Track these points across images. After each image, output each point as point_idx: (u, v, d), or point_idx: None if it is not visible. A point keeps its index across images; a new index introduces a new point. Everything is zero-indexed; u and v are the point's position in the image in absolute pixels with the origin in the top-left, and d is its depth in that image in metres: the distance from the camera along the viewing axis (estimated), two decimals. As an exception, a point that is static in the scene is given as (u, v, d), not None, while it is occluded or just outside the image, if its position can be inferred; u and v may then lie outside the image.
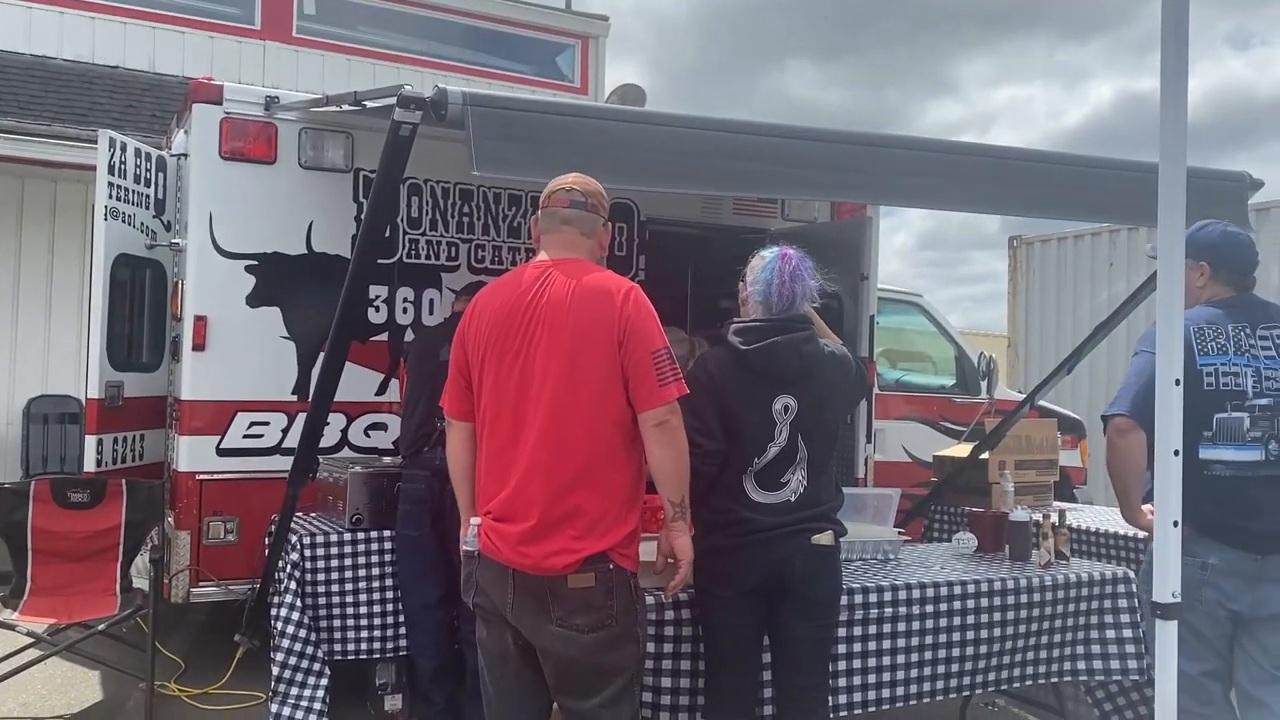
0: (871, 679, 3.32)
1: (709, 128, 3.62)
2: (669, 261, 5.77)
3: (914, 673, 3.38)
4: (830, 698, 3.16)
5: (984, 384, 6.50)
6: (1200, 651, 2.89)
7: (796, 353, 2.92)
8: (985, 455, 5.29)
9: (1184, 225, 1.98)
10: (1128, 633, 3.66)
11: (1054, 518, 3.93)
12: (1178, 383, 1.84)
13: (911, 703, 3.40)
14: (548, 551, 2.46)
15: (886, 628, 3.33)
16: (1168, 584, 1.82)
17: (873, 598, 3.31)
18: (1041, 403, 6.68)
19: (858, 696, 3.30)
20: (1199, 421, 2.84)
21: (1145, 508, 3.01)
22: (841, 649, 3.26)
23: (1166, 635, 1.83)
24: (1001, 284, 10.71)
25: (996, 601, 3.49)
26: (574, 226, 2.70)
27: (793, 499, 2.91)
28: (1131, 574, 3.75)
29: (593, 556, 2.47)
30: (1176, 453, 1.81)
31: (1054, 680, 3.72)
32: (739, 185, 3.95)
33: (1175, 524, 1.79)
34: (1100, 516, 5.04)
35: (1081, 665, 3.72)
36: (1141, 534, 3.54)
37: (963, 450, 5.61)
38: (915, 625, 3.38)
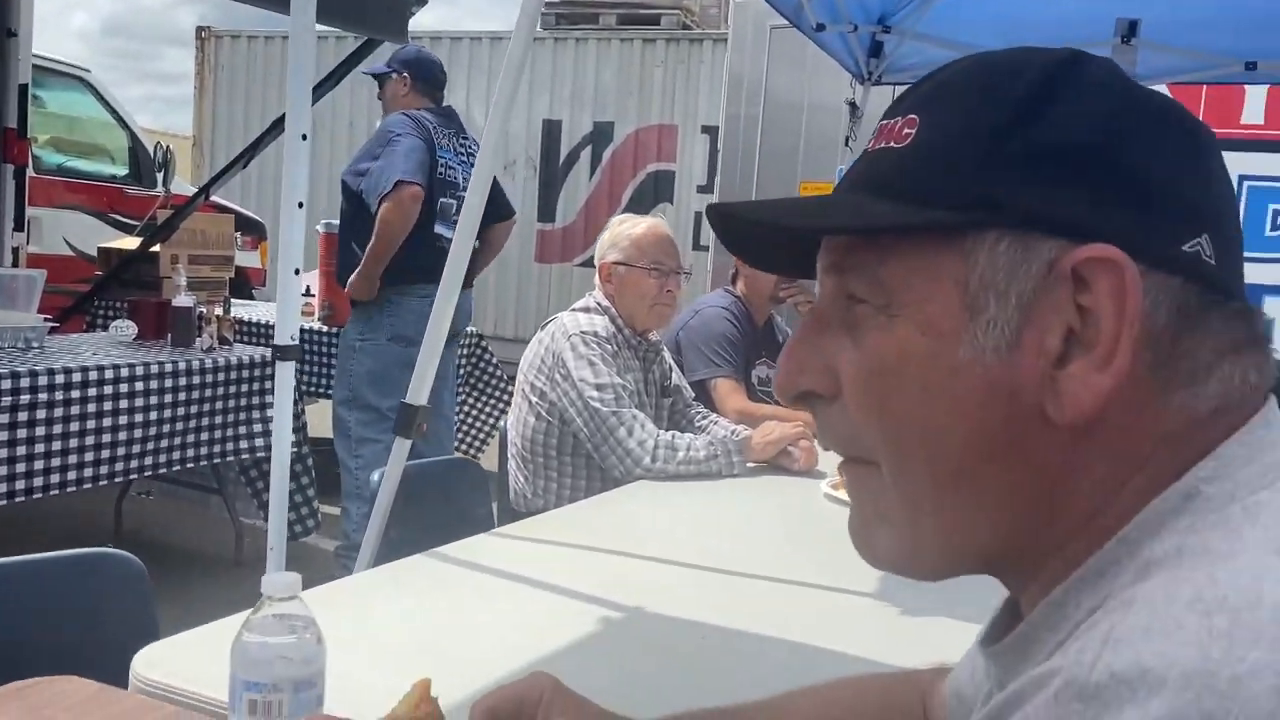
0: (20, 468, 3.05)
1: None
2: None
3: (62, 460, 3.18)
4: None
5: (160, 176, 6.16)
6: None
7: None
8: (156, 248, 5.05)
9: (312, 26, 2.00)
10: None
11: (219, 307, 3.92)
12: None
13: (68, 490, 3.20)
14: None
15: (24, 415, 3.05)
16: (287, 329, 1.91)
17: (5, 385, 3.00)
18: (222, 200, 6.57)
19: (3, 487, 3.01)
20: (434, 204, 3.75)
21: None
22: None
23: (285, 374, 1.93)
24: (197, 84, 10.18)
25: (154, 385, 3.41)
26: None
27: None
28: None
29: None
30: (301, 204, 1.88)
31: (215, 461, 3.78)
32: None
33: (296, 271, 1.87)
34: (268, 310, 5.16)
35: (244, 445, 3.83)
36: None
37: (132, 243, 5.30)
38: (60, 412, 3.15)
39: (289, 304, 1.91)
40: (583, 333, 2.59)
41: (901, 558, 0.64)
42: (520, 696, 0.93)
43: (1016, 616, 0.64)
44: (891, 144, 0.61)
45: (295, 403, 3.38)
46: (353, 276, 3.72)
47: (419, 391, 2.07)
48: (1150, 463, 0.57)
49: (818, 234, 0.65)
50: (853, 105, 4.04)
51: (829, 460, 2.61)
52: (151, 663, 1.28)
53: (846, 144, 4.15)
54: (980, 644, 0.67)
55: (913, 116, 0.61)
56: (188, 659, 1.30)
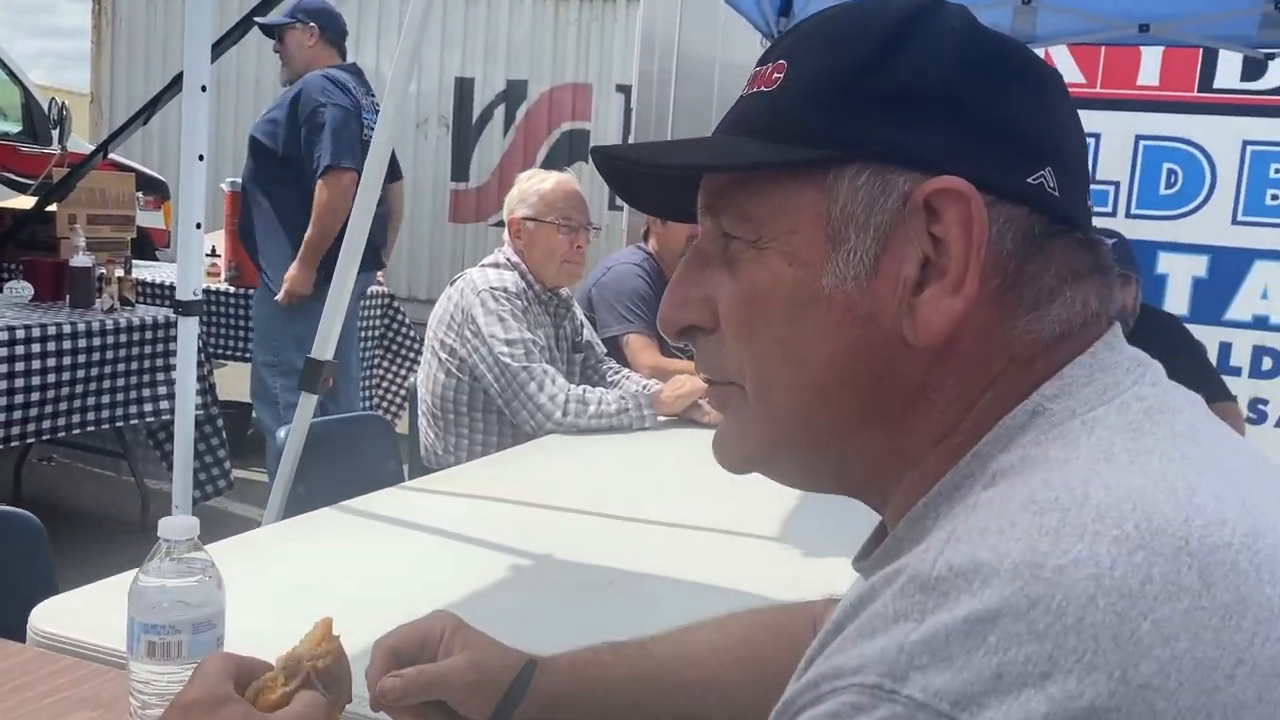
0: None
1: None
2: None
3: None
4: None
5: (55, 133, 5.96)
6: None
7: None
8: (53, 208, 4.89)
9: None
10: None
11: (120, 268, 3.83)
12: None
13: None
14: None
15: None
16: (189, 284, 1.89)
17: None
18: (123, 159, 6.38)
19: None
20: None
21: None
22: None
23: (188, 330, 1.91)
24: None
25: (52, 347, 3.32)
26: None
27: None
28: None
29: None
30: (201, 157, 1.85)
31: (119, 424, 3.70)
32: None
33: (197, 225, 1.85)
34: (172, 271, 5.05)
35: (149, 408, 3.76)
36: None
37: (27, 203, 5.12)
38: (-46, 375, 3.06)
39: (190, 259, 1.89)
40: (492, 288, 2.59)
41: (759, 468, 0.69)
42: (422, 634, 0.96)
43: (885, 535, 0.68)
44: (762, 88, 0.65)
45: (201, 364, 3.34)
46: (292, 270, 3.66)
47: (325, 346, 2.06)
48: (999, 382, 0.61)
49: (689, 172, 0.68)
50: (763, 63, 4.07)
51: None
52: (49, 616, 1.28)
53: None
54: (853, 562, 0.71)
55: (781, 62, 0.64)
56: (86, 612, 1.30)
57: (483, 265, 2.74)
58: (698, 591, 1.53)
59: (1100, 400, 0.58)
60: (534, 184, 2.79)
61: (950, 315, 0.59)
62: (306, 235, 3.60)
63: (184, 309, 1.88)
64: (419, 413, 2.75)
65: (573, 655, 1.00)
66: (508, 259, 2.73)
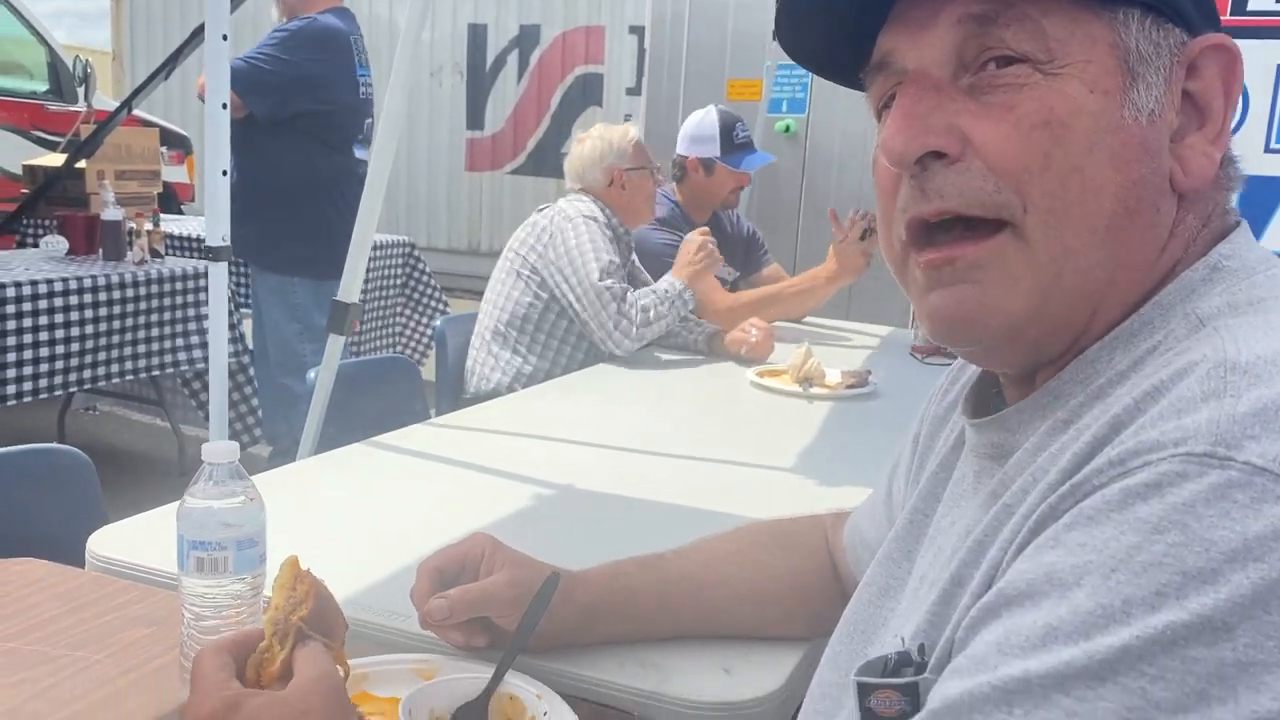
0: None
1: None
2: None
3: (1, 374, 3.19)
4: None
5: (81, 91, 6.02)
6: None
7: None
8: (82, 164, 4.97)
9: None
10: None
11: (148, 221, 3.90)
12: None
13: (7, 403, 3.22)
14: None
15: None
16: (218, 230, 1.95)
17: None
18: (147, 115, 6.43)
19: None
20: (356, 125, 3.82)
21: None
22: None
23: (218, 275, 1.97)
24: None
25: (89, 299, 3.41)
26: None
27: None
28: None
29: None
30: (225, 105, 1.90)
31: (155, 373, 3.80)
32: None
33: (224, 172, 1.90)
34: (198, 225, 5.12)
35: (182, 356, 3.85)
36: None
37: (57, 160, 5.20)
38: (-5, 328, 3.15)
39: (218, 205, 1.94)
40: (584, 215, 2.76)
41: (1008, 334, 0.64)
42: (463, 555, 1.03)
43: (999, 396, 0.71)
44: None
45: (230, 313, 3.41)
46: None
47: (351, 288, 2.13)
48: (1200, 236, 0.65)
49: None
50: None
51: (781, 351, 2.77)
52: (104, 542, 1.36)
53: (774, 38, 4.16)
54: (970, 419, 0.71)
55: None
56: (139, 539, 1.37)
57: (569, 199, 2.88)
58: (717, 520, 1.58)
59: (1271, 262, 0.64)
60: (618, 136, 2.93)
61: (1213, 163, 0.64)
62: None
63: (214, 254, 1.94)
64: (477, 336, 2.85)
65: (601, 569, 1.07)
66: (591, 202, 2.84)
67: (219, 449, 1.02)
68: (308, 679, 0.78)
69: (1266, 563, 0.44)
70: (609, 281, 2.67)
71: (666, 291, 2.74)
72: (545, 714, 0.91)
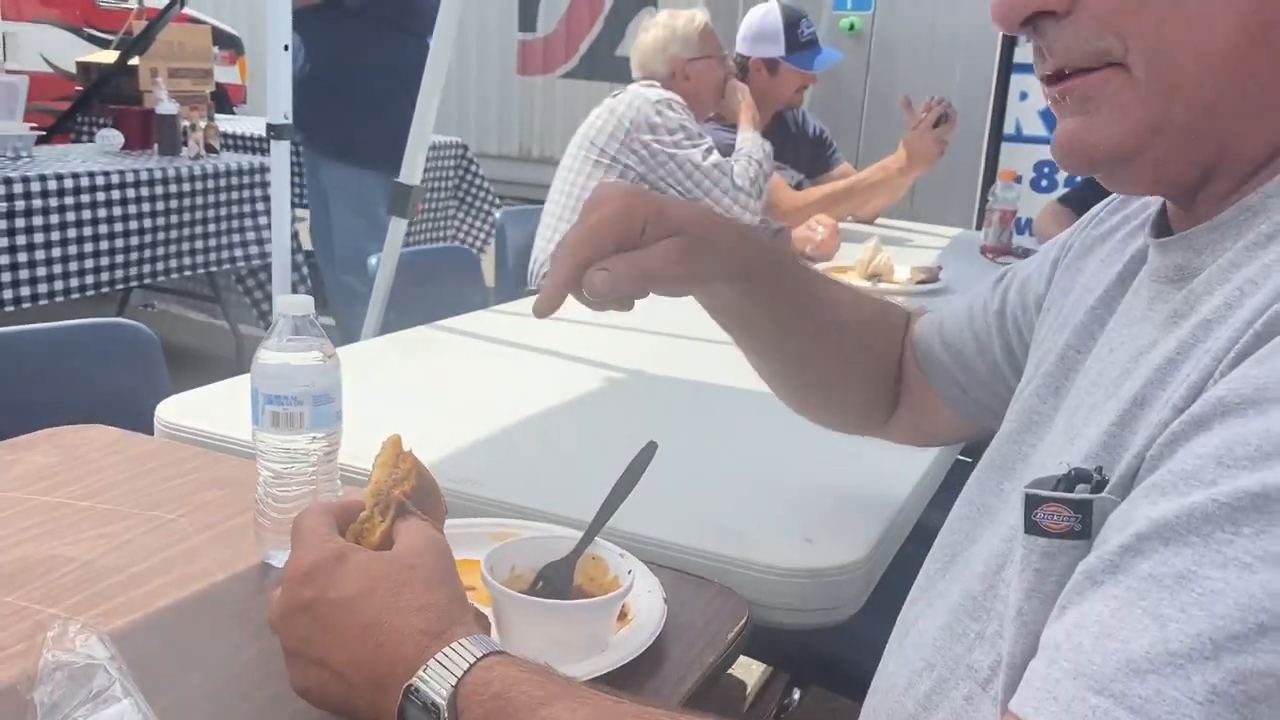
0: (22, 275, 3.09)
1: None
2: None
3: (63, 268, 3.21)
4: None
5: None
6: None
7: None
8: (135, 61, 4.94)
9: None
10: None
11: (203, 118, 3.88)
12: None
13: (70, 296, 3.25)
14: None
15: (20, 222, 3.07)
16: (279, 107, 1.91)
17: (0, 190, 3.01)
18: (197, 14, 6.39)
19: (7, 294, 3.06)
20: (434, 13, 3.40)
21: None
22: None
23: (280, 153, 1.94)
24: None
25: (145, 192, 3.41)
26: None
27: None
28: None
29: None
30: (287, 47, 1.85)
31: (212, 269, 3.81)
32: None
33: (285, 47, 1.86)
34: (252, 124, 5.10)
35: (239, 253, 3.86)
36: None
37: (110, 57, 5.17)
38: (56, 219, 3.16)
39: (280, 80, 1.90)
40: (667, 99, 2.67)
41: (1119, 160, 0.63)
42: (623, 227, 0.84)
43: (1177, 219, 0.67)
44: None
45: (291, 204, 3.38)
46: None
47: (412, 171, 2.09)
48: None
49: None
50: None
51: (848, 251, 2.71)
52: (174, 410, 1.35)
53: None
54: (1154, 239, 0.68)
55: None
56: (208, 408, 1.37)
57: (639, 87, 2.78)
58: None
59: None
60: (683, 24, 2.83)
61: None
62: None
63: (276, 132, 1.91)
64: (541, 227, 2.76)
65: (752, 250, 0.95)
66: (663, 90, 2.74)
67: (294, 301, 0.98)
68: (418, 539, 0.75)
69: None
70: (714, 158, 2.63)
71: (751, 153, 2.72)
72: (630, 572, 0.88)
